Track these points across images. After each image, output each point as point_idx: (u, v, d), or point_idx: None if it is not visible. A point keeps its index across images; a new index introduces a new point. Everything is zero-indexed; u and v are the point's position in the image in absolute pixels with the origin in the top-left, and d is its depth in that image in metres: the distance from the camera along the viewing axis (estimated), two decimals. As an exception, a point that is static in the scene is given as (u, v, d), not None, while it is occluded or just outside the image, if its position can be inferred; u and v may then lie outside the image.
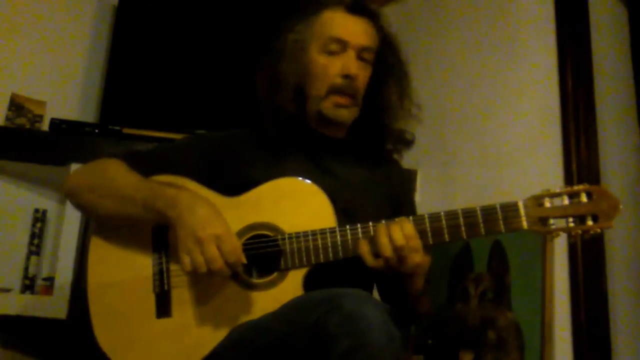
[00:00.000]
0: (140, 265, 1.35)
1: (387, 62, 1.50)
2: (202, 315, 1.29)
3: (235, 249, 1.23)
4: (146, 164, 1.41)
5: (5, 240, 2.37)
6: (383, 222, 1.25)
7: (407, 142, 1.55)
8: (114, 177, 1.38)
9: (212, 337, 1.26)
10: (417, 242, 1.21)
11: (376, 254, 1.22)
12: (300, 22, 1.50)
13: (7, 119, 2.36)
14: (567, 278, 1.91)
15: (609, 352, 1.82)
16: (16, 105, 2.39)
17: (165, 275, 1.33)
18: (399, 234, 1.20)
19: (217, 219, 1.25)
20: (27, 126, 2.38)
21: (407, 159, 2.51)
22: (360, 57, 1.45)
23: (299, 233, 1.28)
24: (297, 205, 1.31)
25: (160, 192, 1.30)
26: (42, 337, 2.32)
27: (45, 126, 2.38)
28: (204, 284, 1.30)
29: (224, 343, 1.25)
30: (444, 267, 2.18)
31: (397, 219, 1.23)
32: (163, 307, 1.31)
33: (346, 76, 1.42)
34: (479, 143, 2.32)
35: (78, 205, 1.44)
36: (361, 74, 1.44)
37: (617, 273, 1.89)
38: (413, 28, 2.73)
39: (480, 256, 2.09)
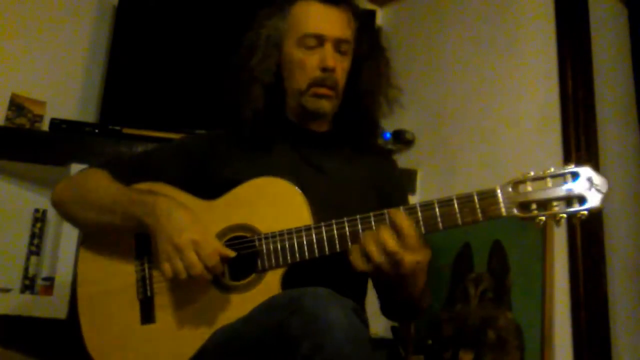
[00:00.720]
0: (124, 272, 1.36)
1: (363, 49, 1.49)
2: (183, 320, 1.30)
3: (213, 253, 1.23)
4: (128, 172, 1.43)
5: (5, 240, 2.37)
6: (371, 215, 1.21)
7: (377, 127, 1.54)
8: (95, 188, 1.40)
9: (193, 341, 1.26)
10: (413, 240, 1.15)
11: (367, 258, 1.17)
12: (273, 17, 1.48)
13: (7, 119, 2.36)
14: (567, 278, 1.91)
15: (609, 353, 1.82)
16: (16, 105, 2.38)
17: (148, 281, 1.34)
18: (388, 235, 1.14)
19: (194, 224, 1.26)
20: (27, 126, 2.38)
21: (407, 159, 2.52)
22: (337, 50, 1.44)
23: (274, 233, 1.27)
24: (273, 205, 1.30)
25: (138, 200, 1.32)
26: (42, 337, 2.32)
27: (45, 126, 2.38)
28: (185, 288, 1.30)
29: (205, 347, 1.25)
30: (444, 267, 2.18)
31: (390, 211, 1.18)
32: (147, 313, 1.33)
33: (324, 69, 1.41)
34: (479, 143, 2.32)
35: (64, 216, 1.47)
36: (339, 65, 1.43)
37: (617, 273, 1.88)
38: (413, 28, 2.73)
39: (480, 256, 2.09)
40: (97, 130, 2.29)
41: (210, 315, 1.27)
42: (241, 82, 1.47)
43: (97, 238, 1.42)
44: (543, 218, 1.13)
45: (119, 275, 1.36)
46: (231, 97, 1.49)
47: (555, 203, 1.12)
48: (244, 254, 1.28)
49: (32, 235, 2.39)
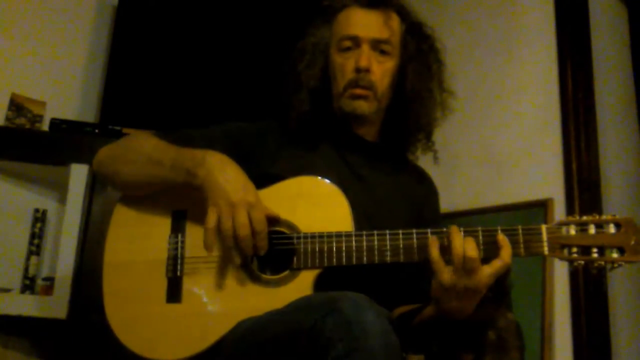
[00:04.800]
0: (156, 247, 1.35)
1: (411, 51, 1.47)
2: (210, 305, 1.29)
3: (263, 219, 1.24)
4: (173, 142, 1.40)
5: (5, 240, 2.37)
6: (413, 231, 1.23)
7: (424, 132, 1.50)
8: (141, 143, 1.39)
9: (218, 328, 1.26)
10: (476, 264, 1.17)
11: (447, 261, 1.19)
12: (320, 26, 1.51)
13: (7, 119, 2.36)
14: (567, 279, 1.91)
15: (609, 353, 1.82)
16: (16, 105, 2.39)
17: (179, 261, 1.34)
18: (474, 244, 1.17)
19: (249, 185, 1.27)
20: (27, 126, 2.38)
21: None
22: (377, 50, 1.43)
23: (314, 234, 1.27)
24: (316, 205, 1.31)
25: (189, 153, 1.31)
26: (42, 337, 2.32)
27: (45, 126, 2.38)
28: (216, 274, 1.31)
29: (228, 336, 1.25)
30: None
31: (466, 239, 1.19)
32: (173, 293, 1.32)
33: (357, 69, 1.41)
34: (479, 143, 2.32)
35: (106, 176, 1.44)
36: (376, 66, 1.42)
37: (617, 274, 1.89)
38: (413, 28, 2.73)
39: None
40: (97, 130, 2.29)
41: (238, 305, 1.27)
42: (289, 86, 1.49)
43: (133, 204, 1.40)
44: (582, 262, 1.17)
45: (149, 249, 1.35)
46: (282, 98, 1.50)
47: (594, 250, 1.16)
48: (280, 250, 1.28)
49: (32, 235, 2.39)
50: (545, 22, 2.16)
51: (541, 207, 2.00)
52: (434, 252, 1.19)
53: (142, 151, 1.37)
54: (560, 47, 2.09)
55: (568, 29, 2.09)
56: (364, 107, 1.42)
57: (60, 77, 2.59)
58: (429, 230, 1.23)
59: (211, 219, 1.24)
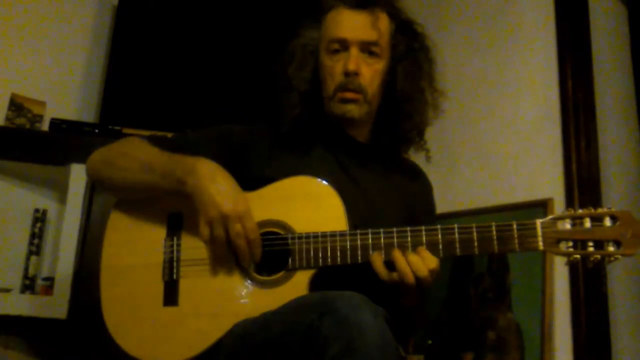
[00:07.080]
0: (152, 251, 1.36)
1: (400, 50, 1.47)
2: (207, 307, 1.30)
3: (255, 228, 1.26)
4: (165, 147, 1.41)
5: (5, 240, 2.37)
6: (407, 229, 1.26)
7: (416, 131, 1.51)
8: (134, 149, 1.40)
9: (215, 330, 1.26)
10: (437, 270, 1.24)
11: (390, 267, 1.22)
12: (309, 27, 1.50)
13: (7, 119, 2.36)
14: (567, 278, 1.91)
15: (609, 353, 1.82)
16: (16, 105, 2.39)
17: (175, 264, 1.34)
18: (418, 259, 1.22)
19: (240, 193, 1.28)
20: (27, 126, 2.38)
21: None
22: (367, 52, 1.42)
23: (308, 234, 1.28)
24: (310, 205, 1.31)
25: (180, 160, 1.31)
26: (42, 337, 2.32)
27: (45, 126, 2.39)
28: (212, 276, 1.31)
29: (226, 337, 1.26)
30: (444, 268, 2.18)
31: (418, 248, 1.25)
32: (170, 296, 1.32)
33: (346, 73, 1.40)
34: (479, 143, 2.32)
35: (98, 181, 1.45)
36: (366, 68, 1.41)
37: (617, 274, 1.89)
38: (413, 28, 2.73)
39: (480, 256, 2.09)
40: (97, 130, 2.30)
41: (235, 307, 1.28)
42: (280, 89, 1.49)
43: (129, 208, 1.41)
44: (578, 257, 1.16)
45: (146, 252, 1.36)
46: (274, 101, 1.50)
47: (590, 244, 1.16)
48: (275, 251, 1.29)
49: (32, 235, 2.39)
50: (545, 22, 2.16)
51: (541, 207, 2.00)
52: (380, 270, 1.24)
53: (134, 157, 1.38)
54: (560, 47, 2.09)
55: (568, 29, 2.09)
56: (354, 110, 1.42)
57: (60, 77, 2.59)
58: (423, 228, 1.24)
59: (204, 232, 1.25)
